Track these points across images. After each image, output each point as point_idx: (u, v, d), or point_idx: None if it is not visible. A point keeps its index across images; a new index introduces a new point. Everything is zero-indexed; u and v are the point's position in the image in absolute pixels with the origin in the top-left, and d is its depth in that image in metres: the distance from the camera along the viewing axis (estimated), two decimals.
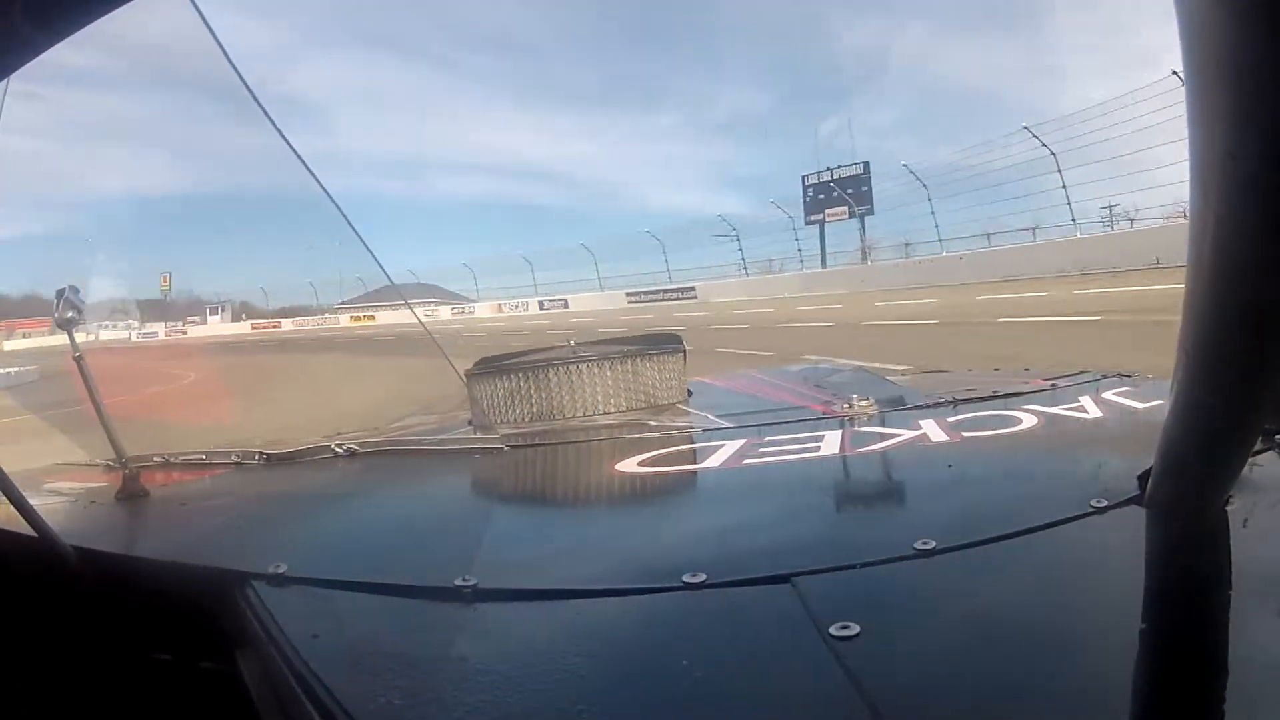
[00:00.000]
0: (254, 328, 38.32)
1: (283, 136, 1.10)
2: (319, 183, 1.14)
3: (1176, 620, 0.57)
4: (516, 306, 35.49)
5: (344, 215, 1.23)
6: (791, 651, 0.54)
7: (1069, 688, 0.48)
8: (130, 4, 0.61)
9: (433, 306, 37.20)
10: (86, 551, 0.83)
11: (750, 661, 0.54)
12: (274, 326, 39.69)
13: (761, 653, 0.55)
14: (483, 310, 36.87)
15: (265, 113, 1.08)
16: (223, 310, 41.37)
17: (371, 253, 1.31)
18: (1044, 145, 19.21)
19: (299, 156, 1.11)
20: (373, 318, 36.16)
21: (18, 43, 0.62)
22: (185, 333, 36.17)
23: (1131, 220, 18.56)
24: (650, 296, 29.90)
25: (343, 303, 39.85)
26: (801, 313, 16.12)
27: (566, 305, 32.84)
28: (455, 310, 37.85)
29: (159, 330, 37.20)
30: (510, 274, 37.13)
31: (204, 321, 40.13)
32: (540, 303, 34.41)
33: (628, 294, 30.69)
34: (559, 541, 0.90)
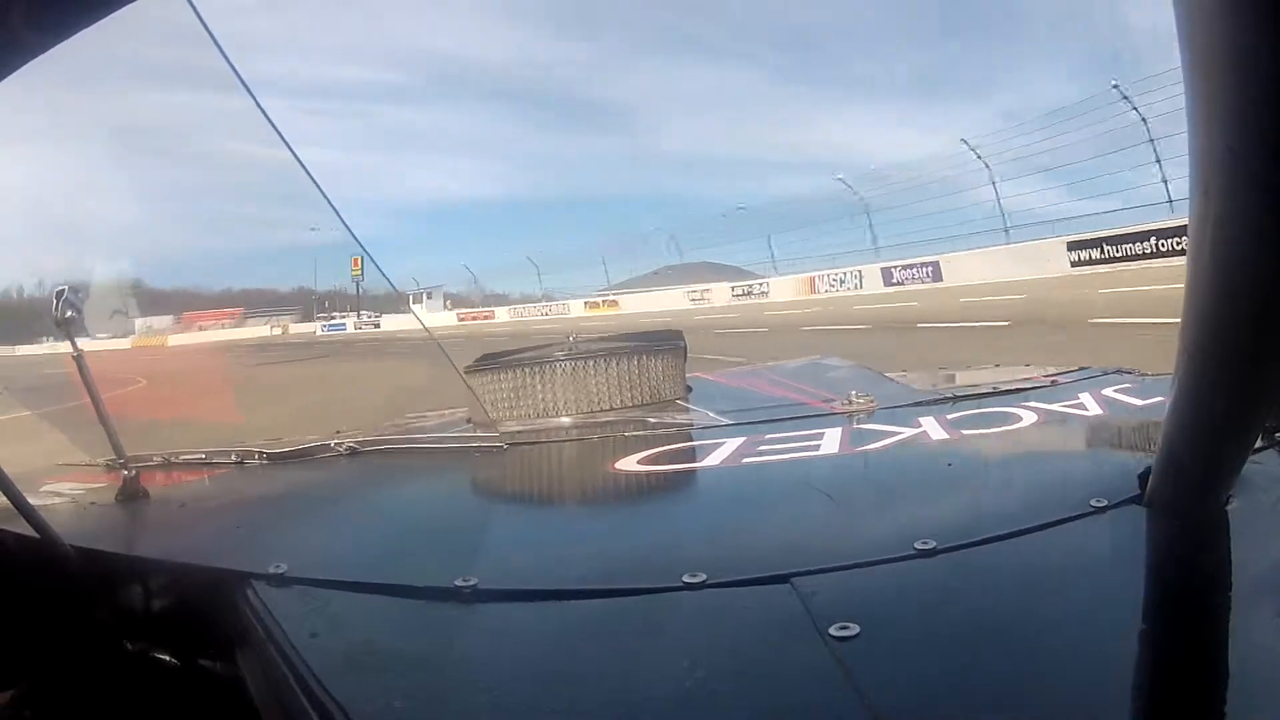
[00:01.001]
0: (461, 318, 33.15)
1: (281, 136, 1.09)
2: (315, 183, 1.13)
3: (1177, 620, 0.57)
4: (843, 281, 20.51)
5: (338, 215, 1.22)
6: (791, 652, 0.54)
7: (1069, 688, 0.48)
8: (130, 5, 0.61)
9: (701, 289, 25.70)
10: (87, 551, 0.83)
11: (750, 662, 0.54)
12: (485, 317, 33.39)
13: (761, 653, 0.55)
14: (783, 289, 22.14)
15: (265, 114, 1.07)
16: (428, 297, 37.08)
17: (366, 251, 1.31)
18: None
19: (296, 156, 1.10)
20: (615, 304, 28.63)
21: (16, 45, 0.62)
22: (378, 325, 33.57)
23: None
24: (1130, 246, 13.64)
25: (608, 289, 31.39)
26: None
27: (937, 275, 17.76)
28: (738, 291, 24.22)
29: (348, 323, 36.02)
30: (837, 232, 21.95)
31: (407, 310, 35.94)
32: (886, 272, 19.32)
33: (1071, 244, 14.86)
34: (558, 541, 0.90)
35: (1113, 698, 0.47)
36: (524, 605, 0.67)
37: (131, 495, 1.08)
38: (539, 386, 1.57)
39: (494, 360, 1.67)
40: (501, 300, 36.05)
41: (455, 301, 37.20)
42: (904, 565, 0.65)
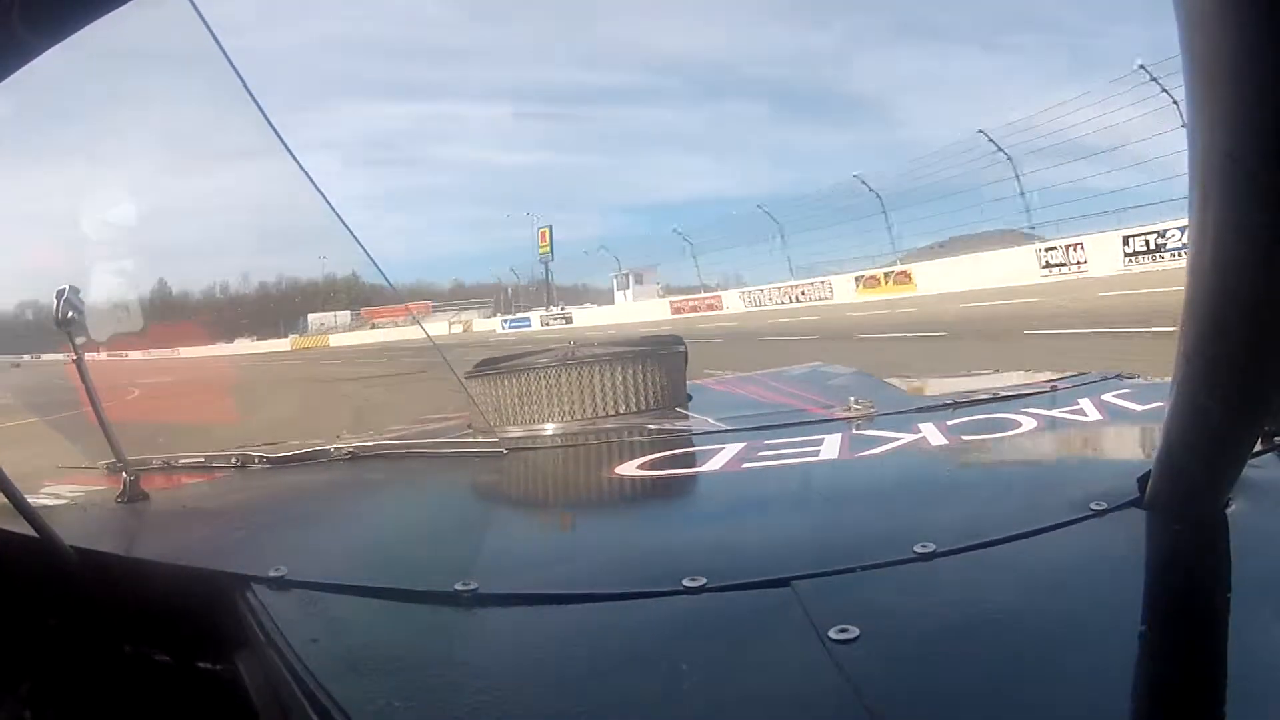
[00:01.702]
0: (676, 309, 25.88)
1: (279, 135, 1.09)
2: (313, 182, 1.13)
3: (1176, 623, 0.57)
4: None
5: (336, 211, 1.19)
6: (791, 655, 0.54)
7: (1069, 691, 0.48)
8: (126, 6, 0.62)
9: (1066, 244, 15.64)
10: (88, 553, 0.83)
11: (750, 665, 0.54)
12: (709, 305, 25.16)
13: (761, 656, 0.55)
14: None
15: (263, 113, 1.07)
16: (636, 281, 29.60)
17: (366, 251, 1.29)
18: None
19: (294, 155, 1.10)
20: (907, 279, 19.07)
21: (14, 46, 0.62)
22: (570, 319, 28.68)
23: None
24: None
25: (894, 257, 20.82)
26: None
27: None
28: (1138, 245, 14.29)
29: (533, 317, 30.33)
30: None
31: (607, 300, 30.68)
32: None
33: None
34: (558, 545, 0.90)
35: (1113, 701, 0.47)
36: (524, 610, 0.67)
37: (132, 498, 1.08)
38: (539, 392, 1.57)
39: (494, 365, 1.67)
40: (739, 282, 26.17)
41: (668, 290, 29.29)
42: (903, 569, 0.65)
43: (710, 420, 1.46)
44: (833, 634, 0.54)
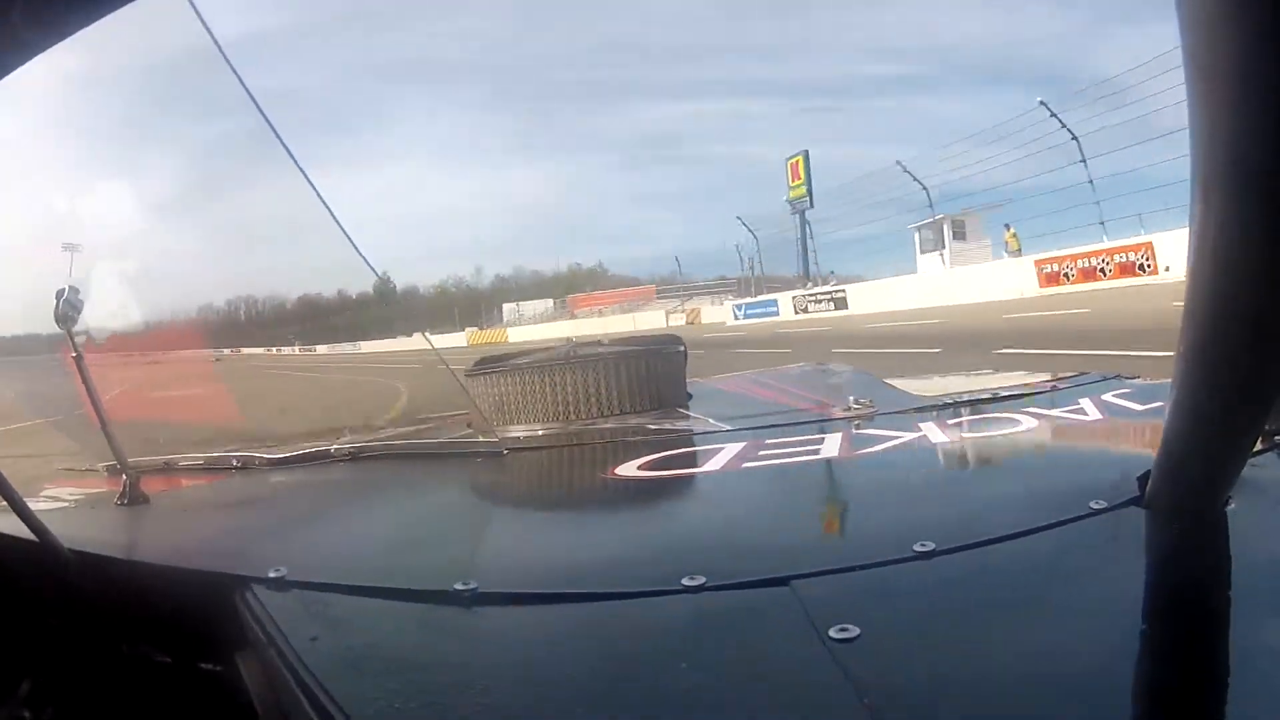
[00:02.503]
0: (1049, 276, 15.30)
1: (276, 133, 1.08)
2: (308, 179, 1.12)
3: (1177, 622, 0.57)
4: None
5: (330, 211, 1.19)
6: (791, 654, 0.54)
7: (1069, 690, 0.48)
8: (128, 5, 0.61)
9: None
10: (87, 555, 0.83)
11: (750, 664, 0.54)
12: (1120, 269, 14.15)
13: (761, 655, 0.55)
14: None
15: (260, 110, 1.07)
16: (952, 234, 18.64)
17: (361, 253, 1.28)
18: None
19: (290, 153, 1.10)
20: None
21: (15, 42, 0.62)
22: (841, 301, 18.84)
23: None
24: None
25: None
26: None
27: None
28: None
29: (781, 302, 20.28)
30: None
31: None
32: None
33: None
34: (558, 545, 0.89)
35: (1112, 700, 0.48)
36: (523, 609, 0.67)
37: (132, 500, 1.08)
38: (539, 391, 1.57)
39: (494, 364, 1.67)
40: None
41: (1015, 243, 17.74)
42: (903, 568, 0.65)
43: (710, 420, 1.46)
44: (833, 633, 0.54)
